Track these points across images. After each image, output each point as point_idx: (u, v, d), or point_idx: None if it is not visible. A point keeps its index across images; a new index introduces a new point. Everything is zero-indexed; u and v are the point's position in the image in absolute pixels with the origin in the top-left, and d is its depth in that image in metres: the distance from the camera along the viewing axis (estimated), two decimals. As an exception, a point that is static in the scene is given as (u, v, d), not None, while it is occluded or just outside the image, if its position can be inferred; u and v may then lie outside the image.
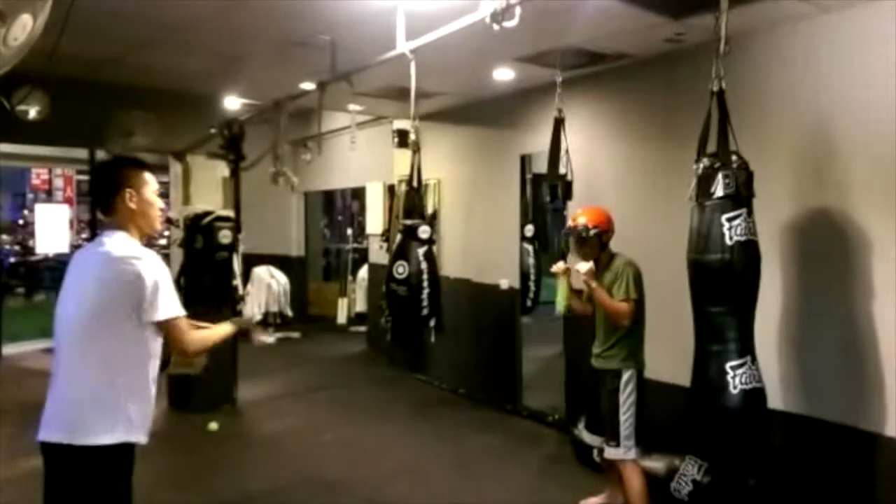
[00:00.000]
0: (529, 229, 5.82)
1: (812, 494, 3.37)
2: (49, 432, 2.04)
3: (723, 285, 2.75)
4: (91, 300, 2.06)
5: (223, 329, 2.36)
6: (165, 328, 2.11)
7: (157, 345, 2.17)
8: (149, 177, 2.25)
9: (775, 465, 3.34)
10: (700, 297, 2.83)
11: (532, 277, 5.79)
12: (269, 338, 2.62)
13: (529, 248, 5.81)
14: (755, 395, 2.76)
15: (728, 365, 2.74)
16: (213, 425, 4.29)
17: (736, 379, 2.72)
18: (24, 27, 1.91)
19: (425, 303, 3.66)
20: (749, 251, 2.74)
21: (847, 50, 3.26)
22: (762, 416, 2.82)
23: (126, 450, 2.10)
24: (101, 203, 2.24)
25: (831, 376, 3.34)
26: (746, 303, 2.81)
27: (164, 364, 2.28)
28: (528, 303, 5.76)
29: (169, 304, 2.10)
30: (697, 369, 2.85)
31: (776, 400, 3.34)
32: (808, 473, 3.40)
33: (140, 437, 2.13)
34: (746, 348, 2.78)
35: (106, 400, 2.05)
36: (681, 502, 3.43)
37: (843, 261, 3.28)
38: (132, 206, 2.18)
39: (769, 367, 3.24)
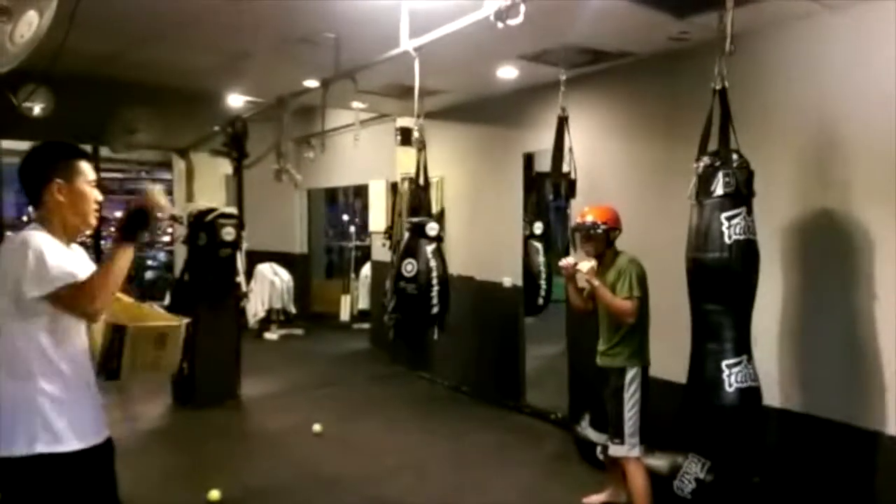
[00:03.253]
0: (539, 227, 5.67)
1: (812, 493, 3.37)
2: None
3: (721, 284, 2.75)
4: None
5: (115, 251, 1.91)
6: (58, 300, 1.81)
7: (67, 337, 1.90)
8: (84, 166, 2.00)
9: (775, 463, 3.34)
10: (698, 296, 2.83)
11: (542, 276, 5.67)
12: (165, 200, 1.97)
13: (539, 245, 5.65)
14: (750, 394, 2.76)
15: (724, 363, 2.74)
16: (215, 493, 3.77)
17: (731, 377, 2.72)
18: (31, 24, 1.92)
19: (435, 300, 3.66)
20: (748, 250, 2.73)
21: (852, 49, 3.25)
22: (757, 414, 2.83)
23: (54, 461, 1.83)
24: (29, 195, 1.99)
25: (832, 375, 3.34)
26: (744, 302, 2.80)
27: (111, 370, 1.98)
28: (540, 301, 5.56)
29: (54, 274, 1.80)
30: (694, 367, 2.85)
31: (775, 397, 3.35)
32: (809, 471, 3.40)
33: (74, 445, 1.87)
34: (743, 347, 2.78)
35: (21, 405, 1.83)
36: (684, 501, 3.43)
37: (845, 260, 3.27)
38: (61, 198, 1.94)
39: (769, 364, 3.23)
